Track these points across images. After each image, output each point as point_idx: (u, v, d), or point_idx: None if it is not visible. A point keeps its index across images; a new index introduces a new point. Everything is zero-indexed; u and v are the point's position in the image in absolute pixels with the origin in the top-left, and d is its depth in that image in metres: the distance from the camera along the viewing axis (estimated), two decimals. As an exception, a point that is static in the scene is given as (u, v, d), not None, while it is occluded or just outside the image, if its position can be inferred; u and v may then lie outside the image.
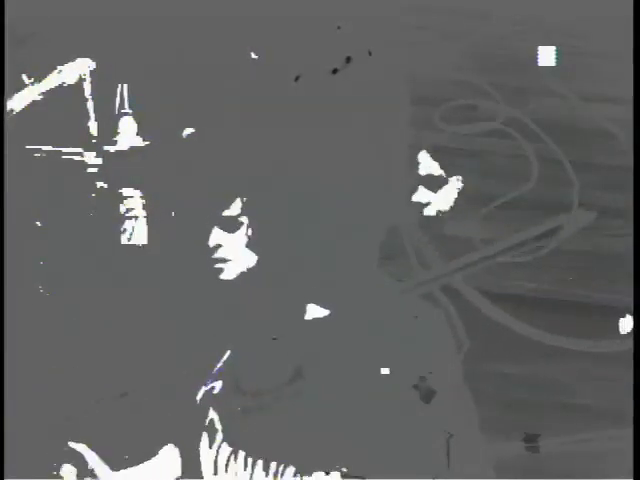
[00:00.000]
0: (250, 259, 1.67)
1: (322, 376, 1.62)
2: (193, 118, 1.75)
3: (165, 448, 1.61)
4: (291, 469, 1.58)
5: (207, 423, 1.61)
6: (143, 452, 1.61)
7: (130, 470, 1.61)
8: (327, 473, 1.58)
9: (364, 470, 1.58)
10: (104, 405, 1.63)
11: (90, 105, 1.78)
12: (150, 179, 1.75)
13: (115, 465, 1.61)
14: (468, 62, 1.85)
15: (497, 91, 1.83)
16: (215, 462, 1.60)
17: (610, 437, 1.64)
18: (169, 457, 1.61)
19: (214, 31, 1.81)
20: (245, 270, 1.68)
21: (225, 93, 1.76)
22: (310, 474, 1.57)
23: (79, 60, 1.80)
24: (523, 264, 1.74)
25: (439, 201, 1.74)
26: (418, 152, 1.77)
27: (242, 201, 1.68)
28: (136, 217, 1.74)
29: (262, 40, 1.78)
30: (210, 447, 1.60)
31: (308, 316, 1.66)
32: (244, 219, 1.68)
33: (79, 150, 1.76)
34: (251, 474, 1.59)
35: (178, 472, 1.61)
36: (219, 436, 1.60)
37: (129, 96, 1.78)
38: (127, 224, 1.74)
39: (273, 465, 1.58)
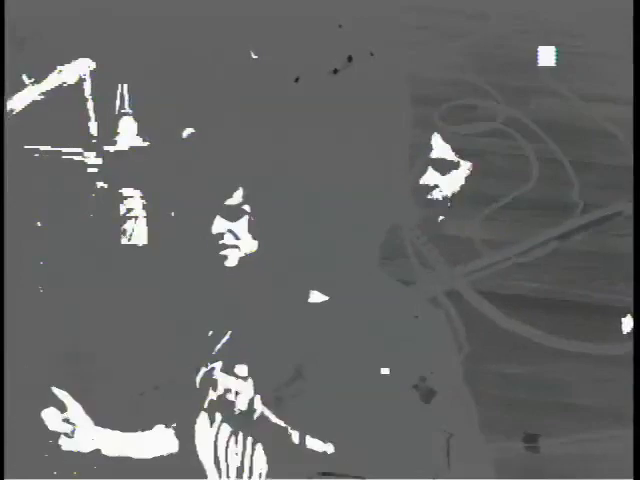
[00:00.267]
0: (252, 246, 1.67)
1: (322, 376, 1.62)
2: (193, 118, 1.75)
3: (159, 425, 1.61)
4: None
5: (207, 404, 1.61)
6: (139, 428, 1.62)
7: (113, 433, 1.61)
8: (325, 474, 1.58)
9: (364, 470, 1.58)
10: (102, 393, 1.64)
11: (90, 105, 1.78)
12: (150, 179, 1.75)
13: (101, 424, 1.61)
14: (468, 62, 1.85)
15: (497, 91, 1.83)
16: (215, 442, 1.60)
17: (610, 437, 1.64)
18: (162, 433, 1.61)
19: (214, 31, 1.81)
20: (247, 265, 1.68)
21: (225, 93, 1.76)
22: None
23: (79, 60, 1.80)
24: (524, 264, 1.74)
25: (446, 185, 1.74)
26: (418, 152, 1.77)
27: (244, 195, 1.68)
28: (136, 217, 1.74)
29: (262, 40, 1.78)
30: (211, 427, 1.61)
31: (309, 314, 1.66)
32: (246, 208, 1.68)
33: (79, 150, 1.76)
34: (251, 455, 1.59)
35: (173, 449, 1.62)
36: (218, 416, 1.61)
37: (129, 96, 1.78)
38: (127, 224, 1.74)
39: (268, 446, 1.59)
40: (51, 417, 1.59)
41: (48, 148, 1.76)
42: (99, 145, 1.77)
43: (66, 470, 1.62)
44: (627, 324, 1.69)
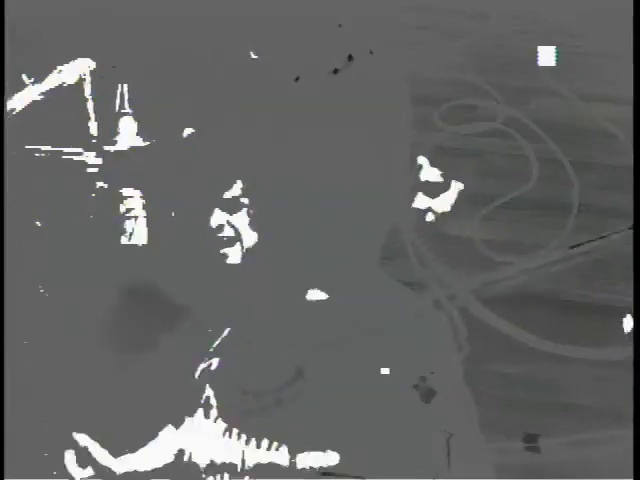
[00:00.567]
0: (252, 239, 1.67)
1: (322, 376, 1.62)
2: (193, 118, 1.75)
3: (165, 430, 1.61)
4: (284, 448, 1.59)
5: (203, 400, 1.62)
6: (143, 434, 1.62)
7: (130, 456, 1.61)
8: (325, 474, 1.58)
9: (364, 470, 1.58)
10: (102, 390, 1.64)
11: (90, 105, 1.78)
12: (150, 179, 1.75)
13: (115, 449, 1.61)
14: (468, 62, 1.85)
15: (497, 91, 1.83)
16: (210, 437, 1.61)
17: (610, 437, 1.64)
18: (169, 439, 1.61)
19: (214, 31, 1.81)
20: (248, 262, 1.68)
21: (225, 93, 1.76)
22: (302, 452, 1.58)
23: (79, 60, 1.80)
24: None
25: (439, 207, 1.74)
26: (419, 152, 1.77)
27: (242, 189, 1.69)
28: (136, 217, 1.74)
29: (262, 40, 1.78)
30: (206, 422, 1.61)
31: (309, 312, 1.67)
32: (245, 205, 1.68)
33: (79, 150, 1.76)
34: (243, 450, 1.59)
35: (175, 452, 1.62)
36: (214, 412, 1.61)
37: (129, 96, 1.78)
38: (127, 224, 1.74)
39: (265, 442, 1.59)
40: (72, 463, 1.60)
41: (48, 148, 1.76)
42: (99, 145, 1.77)
43: (66, 470, 1.62)
44: (627, 324, 1.69)
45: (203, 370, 1.64)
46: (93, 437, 1.62)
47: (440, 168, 1.77)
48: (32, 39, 1.82)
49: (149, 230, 1.74)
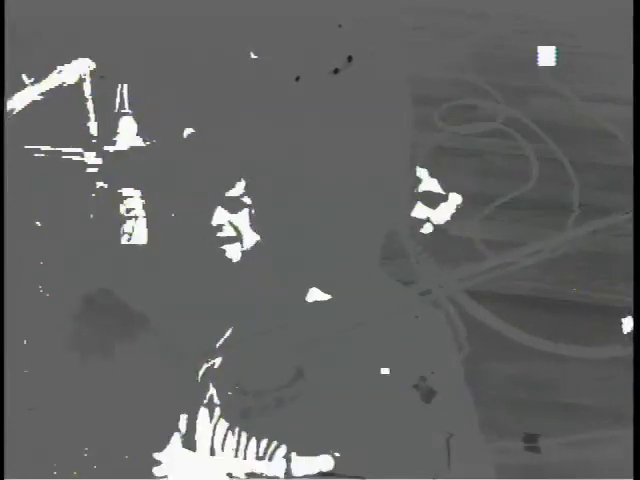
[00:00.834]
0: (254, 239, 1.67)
1: (322, 376, 1.62)
2: (193, 118, 1.75)
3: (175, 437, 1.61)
4: (283, 449, 1.59)
5: (207, 399, 1.62)
6: (143, 434, 1.62)
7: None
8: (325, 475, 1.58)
9: (364, 470, 1.58)
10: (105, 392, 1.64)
11: (90, 105, 1.78)
12: (150, 179, 1.75)
13: (115, 448, 1.61)
14: (468, 62, 1.85)
15: (497, 91, 1.83)
16: (212, 437, 1.61)
17: (610, 437, 1.64)
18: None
19: (214, 31, 1.81)
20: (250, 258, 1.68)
21: (225, 93, 1.76)
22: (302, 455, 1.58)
23: (79, 60, 1.80)
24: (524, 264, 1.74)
25: (437, 217, 1.74)
26: (419, 152, 1.77)
27: (244, 188, 1.69)
28: (136, 217, 1.74)
29: (262, 40, 1.78)
30: (210, 422, 1.61)
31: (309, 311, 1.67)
32: (247, 202, 1.68)
33: (79, 150, 1.76)
34: (244, 450, 1.59)
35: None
36: (217, 412, 1.61)
37: (129, 96, 1.78)
38: (127, 224, 1.74)
39: (264, 442, 1.59)
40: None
41: (48, 148, 1.76)
42: (99, 145, 1.77)
43: (66, 470, 1.62)
44: (627, 324, 1.69)
45: (206, 369, 1.64)
46: (93, 437, 1.62)
47: (440, 168, 1.77)
48: (32, 39, 1.82)
49: (149, 230, 1.73)
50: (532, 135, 1.81)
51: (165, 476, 1.60)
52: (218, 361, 1.63)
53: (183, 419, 1.61)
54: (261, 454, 1.59)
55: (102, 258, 1.72)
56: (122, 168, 1.76)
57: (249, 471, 1.60)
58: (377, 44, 1.78)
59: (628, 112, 1.78)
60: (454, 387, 1.64)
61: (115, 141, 1.77)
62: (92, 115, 1.77)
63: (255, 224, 1.69)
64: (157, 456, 1.60)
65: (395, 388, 1.62)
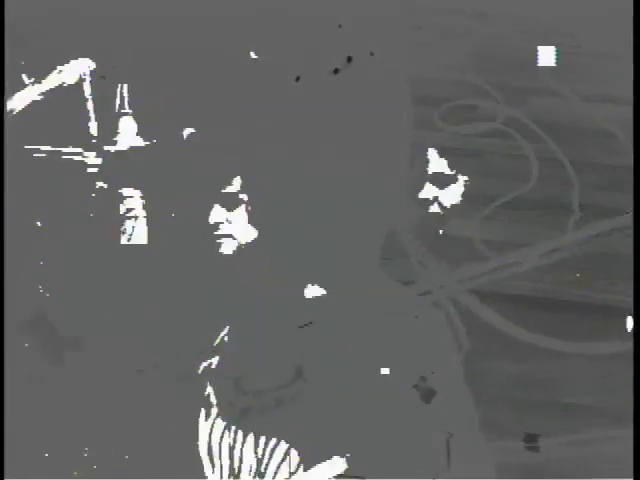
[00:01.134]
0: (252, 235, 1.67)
1: (322, 376, 1.62)
2: (193, 118, 1.75)
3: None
4: (283, 445, 1.59)
5: (204, 398, 1.62)
6: (144, 433, 1.62)
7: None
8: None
9: (364, 470, 1.58)
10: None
11: (90, 105, 1.78)
12: (150, 179, 1.75)
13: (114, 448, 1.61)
14: (468, 62, 1.85)
15: (497, 91, 1.83)
16: (210, 435, 1.61)
17: (610, 437, 1.64)
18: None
19: (214, 31, 1.81)
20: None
21: (225, 93, 1.76)
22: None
23: (79, 60, 1.80)
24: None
25: (445, 198, 1.74)
26: (419, 152, 1.77)
27: (241, 187, 1.69)
28: (136, 217, 1.74)
29: (262, 40, 1.78)
30: (206, 421, 1.61)
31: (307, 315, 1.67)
32: (244, 197, 1.68)
33: (79, 150, 1.76)
34: (241, 449, 1.59)
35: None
36: (214, 411, 1.61)
37: (129, 96, 1.78)
38: (127, 224, 1.74)
39: (263, 440, 1.59)
40: None
41: (48, 148, 1.76)
42: (99, 145, 1.77)
43: (66, 470, 1.62)
44: (628, 324, 1.69)
45: (204, 369, 1.64)
46: (93, 437, 1.62)
47: (438, 183, 1.77)
48: (32, 39, 1.82)
49: (149, 230, 1.73)
50: (532, 135, 1.81)
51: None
52: (215, 360, 1.63)
53: (183, 419, 1.61)
54: (260, 454, 1.59)
55: (102, 258, 1.72)
56: (122, 168, 1.76)
57: (247, 470, 1.60)
58: (377, 44, 1.78)
59: (628, 112, 1.78)
60: (454, 387, 1.64)
61: (115, 141, 1.77)
62: (92, 115, 1.77)
63: (254, 224, 1.70)
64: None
65: (395, 388, 1.62)
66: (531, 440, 1.64)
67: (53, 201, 1.74)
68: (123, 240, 1.73)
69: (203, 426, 1.61)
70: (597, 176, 1.79)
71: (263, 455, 1.59)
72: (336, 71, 1.75)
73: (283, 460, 1.58)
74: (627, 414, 1.60)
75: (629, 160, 1.77)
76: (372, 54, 1.77)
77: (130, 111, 1.78)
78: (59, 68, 1.79)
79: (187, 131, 1.74)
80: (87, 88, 1.78)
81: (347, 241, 1.71)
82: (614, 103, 1.83)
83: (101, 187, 1.75)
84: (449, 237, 1.75)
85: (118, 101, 1.78)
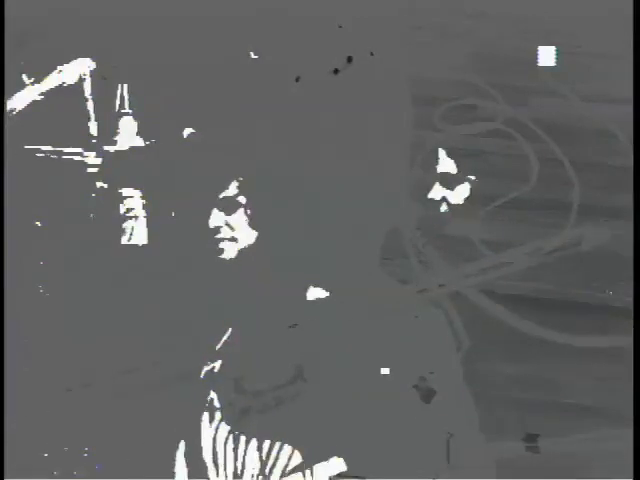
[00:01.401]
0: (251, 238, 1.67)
1: (322, 376, 1.62)
2: (193, 118, 1.75)
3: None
4: (287, 448, 1.59)
5: (207, 402, 1.62)
6: (145, 433, 1.62)
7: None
8: None
9: (364, 470, 1.58)
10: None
11: (90, 105, 1.78)
12: (150, 179, 1.75)
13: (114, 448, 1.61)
14: (468, 62, 1.85)
15: (497, 91, 1.83)
16: (214, 441, 1.61)
17: (610, 437, 1.64)
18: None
19: (214, 31, 1.81)
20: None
21: (225, 93, 1.76)
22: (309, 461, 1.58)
23: (79, 60, 1.80)
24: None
25: (454, 198, 1.74)
26: (419, 152, 1.77)
27: (239, 189, 1.69)
28: (136, 217, 1.74)
29: (262, 40, 1.78)
30: (210, 426, 1.61)
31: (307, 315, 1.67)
32: (243, 202, 1.68)
33: (79, 150, 1.76)
34: (244, 453, 1.59)
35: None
36: (218, 415, 1.61)
37: (129, 96, 1.78)
38: (127, 224, 1.74)
39: (266, 444, 1.59)
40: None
41: (48, 148, 1.76)
42: (99, 145, 1.77)
43: (66, 470, 1.62)
44: (628, 324, 1.69)
45: (207, 372, 1.64)
46: (93, 437, 1.62)
47: (446, 183, 1.77)
48: (32, 39, 1.82)
49: (149, 230, 1.73)
50: (532, 135, 1.81)
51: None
52: (218, 364, 1.63)
53: (184, 421, 1.61)
54: (264, 456, 1.59)
55: (102, 258, 1.72)
56: (122, 168, 1.76)
57: (252, 472, 1.60)
58: (377, 44, 1.78)
59: (628, 112, 1.77)
60: (454, 387, 1.64)
61: (115, 141, 1.77)
62: (92, 115, 1.77)
63: (254, 224, 1.69)
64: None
65: (395, 388, 1.62)
66: (531, 440, 1.64)
67: (53, 201, 1.74)
68: (123, 240, 1.73)
69: (207, 430, 1.61)
70: (597, 176, 1.79)
71: (268, 457, 1.59)
72: (336, 71, 1.75)
73: (287, 463, 1.59)
74: (627, 414, 1.60)
75: (629, 160, 1.77)
76: (372, 54, 1.77)
77: (130, 111, 1.78)
78: (59, 68, 1.79)
79: (187, 131, 1.74)
80: (87, 88, 1.78)
81: (347, 241, 1.71)
82: (614, 103, 1.83)
83: (101, 187, 1.75)
84: (449, 237, 1.75)
85: (118, 101, 1.78)
